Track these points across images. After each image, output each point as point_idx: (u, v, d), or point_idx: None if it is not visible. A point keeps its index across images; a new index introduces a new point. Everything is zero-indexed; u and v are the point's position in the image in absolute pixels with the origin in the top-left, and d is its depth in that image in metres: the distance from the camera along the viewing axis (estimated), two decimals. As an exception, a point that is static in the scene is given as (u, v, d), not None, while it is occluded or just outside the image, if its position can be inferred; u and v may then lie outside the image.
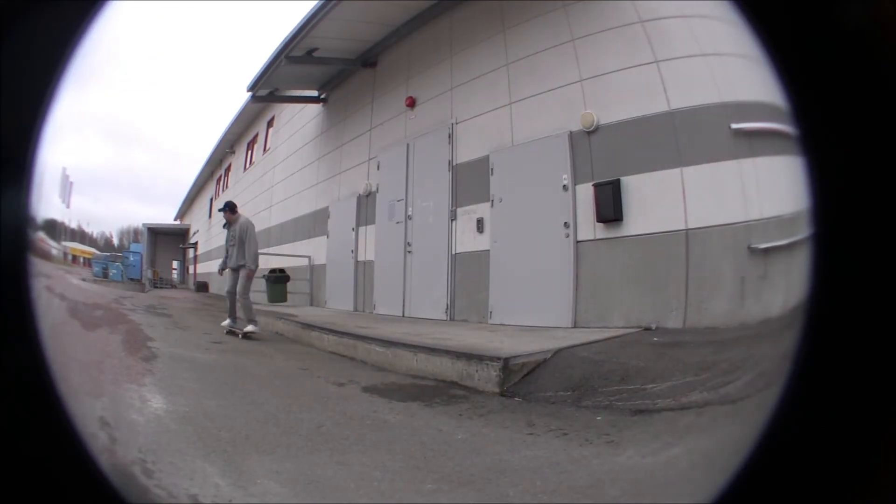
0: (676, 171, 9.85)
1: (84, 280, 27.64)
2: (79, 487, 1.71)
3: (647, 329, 9.56)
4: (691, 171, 9.68)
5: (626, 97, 10.72)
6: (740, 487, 1.62)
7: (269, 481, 4.22)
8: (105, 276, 32.86)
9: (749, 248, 8.46)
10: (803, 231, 1.57)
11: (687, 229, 9.65)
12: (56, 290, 15.10)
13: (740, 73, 6.78)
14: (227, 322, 13.66)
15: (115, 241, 38.74)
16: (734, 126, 8.72)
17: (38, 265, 1.76)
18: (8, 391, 1.60)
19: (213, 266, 31.61)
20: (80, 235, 31.27)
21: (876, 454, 1.51)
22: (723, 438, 4.57)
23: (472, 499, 4.06)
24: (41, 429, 1.65)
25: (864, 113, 1.49)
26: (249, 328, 13.09)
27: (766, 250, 7.89)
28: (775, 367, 1.67)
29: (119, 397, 6.58)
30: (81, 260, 32.15)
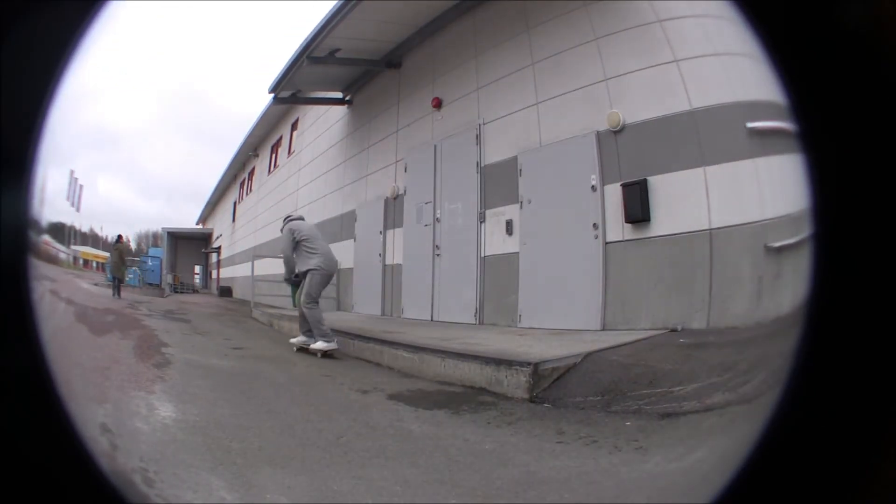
0: (700, 170, 9.80)
1: (97, 285, 27.68)
2: (76, 489, 1.63)
3: (674, 330, 9.44)
4: (713, 171, 9.64)
5: (650, 96, 10.67)
6: (740, 487, 1.61)
7: (280, 496, 3.99)
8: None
9: (765, 247, 8.34)
10: (807, 229, 1.56)
11: (711, 229, 9.59)
12: (62, 294, 15.06)
13: (751, 73, 6.63)
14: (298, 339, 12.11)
15: (133, 246, 38.97)
16: (749, 125, 8.62)
17: (41, 268, 1.68)
18: (5, 392, 1.51)
19: (237, 270, 31.68)
20: (92, 239, 31.39)
21: (876, 454, 1.49)
22: (737, 438, 4.32)
23: (497, 515, 3.80)
24: (38, 429, 1.58)
25: (863, 113, 1.47)
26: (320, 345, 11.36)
27: (780, 249, 7.76)
28: (780, 366, 1.62)
29: (124, 404, 6.38)
30: (94, 264, 32.27)
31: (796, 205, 1.57)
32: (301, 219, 12.64)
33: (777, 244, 7.86)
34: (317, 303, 11.58)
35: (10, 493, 1.49)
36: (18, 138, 1.50)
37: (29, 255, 1.56)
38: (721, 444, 5.05)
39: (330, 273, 12.07)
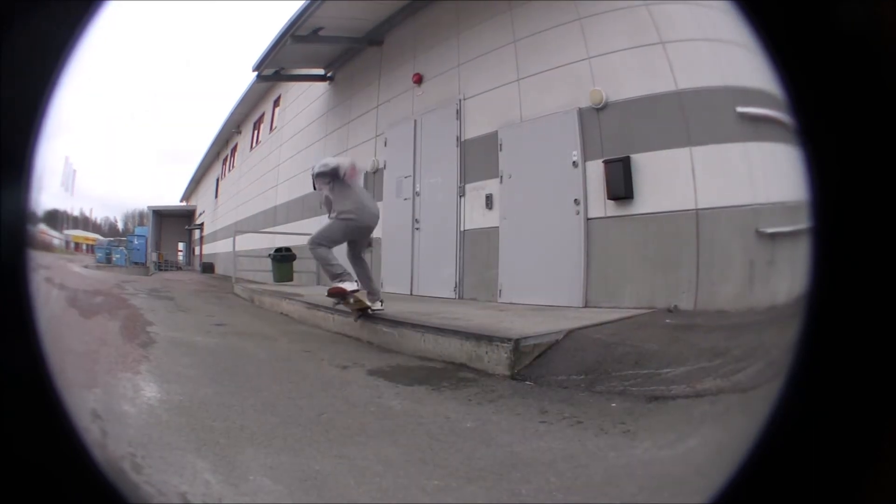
0: (685, 150, 9.80)
1: (86, 267, 27.72)
2: (77, 486, 1.65)
3: (669, 311, 9.40)
4: (700, 152, 9.65)
5: (634, 76, 10.72)
6: (740, 485, 1.59)
7: (263, 477, 3.99)
8: (108, 261, 33.05)
9: (757, 231, 8.33)
10: (805, 222, 1.54)
11: (697, 209, 9.61)
12: (55, 280, 15.06)
13: (742, 61, 6.65)
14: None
15: (121, 226, 38.87)
16: (739, 110, 8.59)
17: (38, 258, 1.69)
18: (6, 391, 1.53)
19: (218, 247, 31.65)
20: (83, 222, 31.36)
21: (877, 452, 1.47)
22: (734, 430, 4.32)
23: (481, 497, 3.80)
24: (39, 428, 1.59)
25: (862, 111, 1.46)
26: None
27: (773, 235, 7.77)
28: (780, 359, 1.59)
29: (112, 388, 6.36)
30: (84, 247, 32.33)
31: (791, 194, 1.61)
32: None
33: (770, 230, 7.88)
34: (325, 247, 10.33)
35: (10, 492, 1.51)
36: (19, 134, 1.52)
37: (28, 251, 1.58)
38: (716, 434, 5.07)
39: (359, 225, 10.55)
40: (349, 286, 10.03)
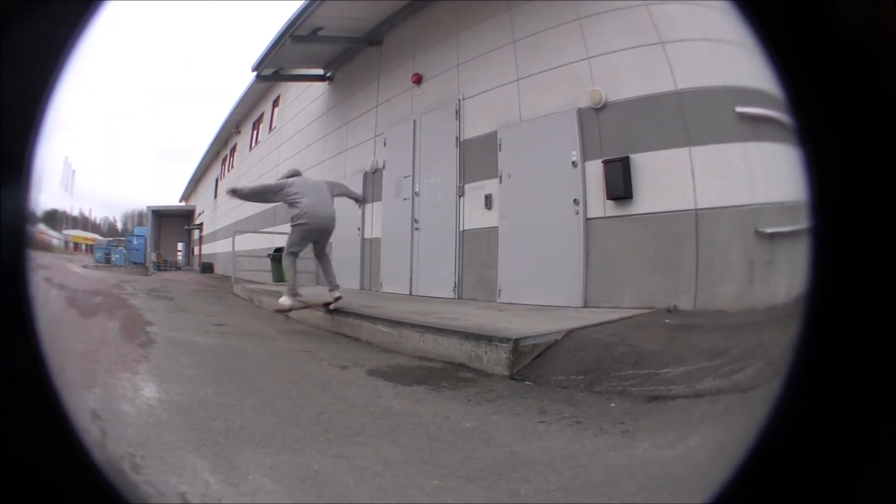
0: (685, 150, 9.72)
1: (86, 267, 27.68)
2: (77, 486, 1.64)
3: (669, 311, 9.32)
4: (699, 152, 9.57)
5: (634, 76, 10.63)
6: (739, 484, 1.59)
7: (262, 477, 3.98)
8: (108, 261, 33.00)
9: (756, 231, 8.24)
10: (804, 222, 1.55)
11: (696, 209, 9.52)
12: (55, 280, 15.04)
13: (742, 60, 6.61)
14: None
15: (120, 226, 38.77)
16: (739, 110, 8.50)
17: (37, 258, 1.70)
18: (6, 391, 1.53)
19: (217, 247, 31.62)
20: (82, 222, 31.31)
21: (877, 452, 1.47)
22: (734, 430, 4.30)
23: (480, 497, 3.78)
24: (37, 427, 1.59)
25: (862, 111, 1.47)
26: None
27: (773, 235, 7.73)
28: (780, 359, 1.59)
29: (112, 387, 6.34)
30: (84, 247, 32.26)
31: (790, 194, 1.60)
32: (297, 174, 12.93)
33: (769, 230, 7.84)
34: (292, 254, 12.31)
35: (9, 492, 1.51)
36: (18, 134, 1.52)
37: (27, 251, 1.58)
38: (715, 434, 5.05)
39: (312, 228, 12.17)
40: (288, 303, 12.22)
